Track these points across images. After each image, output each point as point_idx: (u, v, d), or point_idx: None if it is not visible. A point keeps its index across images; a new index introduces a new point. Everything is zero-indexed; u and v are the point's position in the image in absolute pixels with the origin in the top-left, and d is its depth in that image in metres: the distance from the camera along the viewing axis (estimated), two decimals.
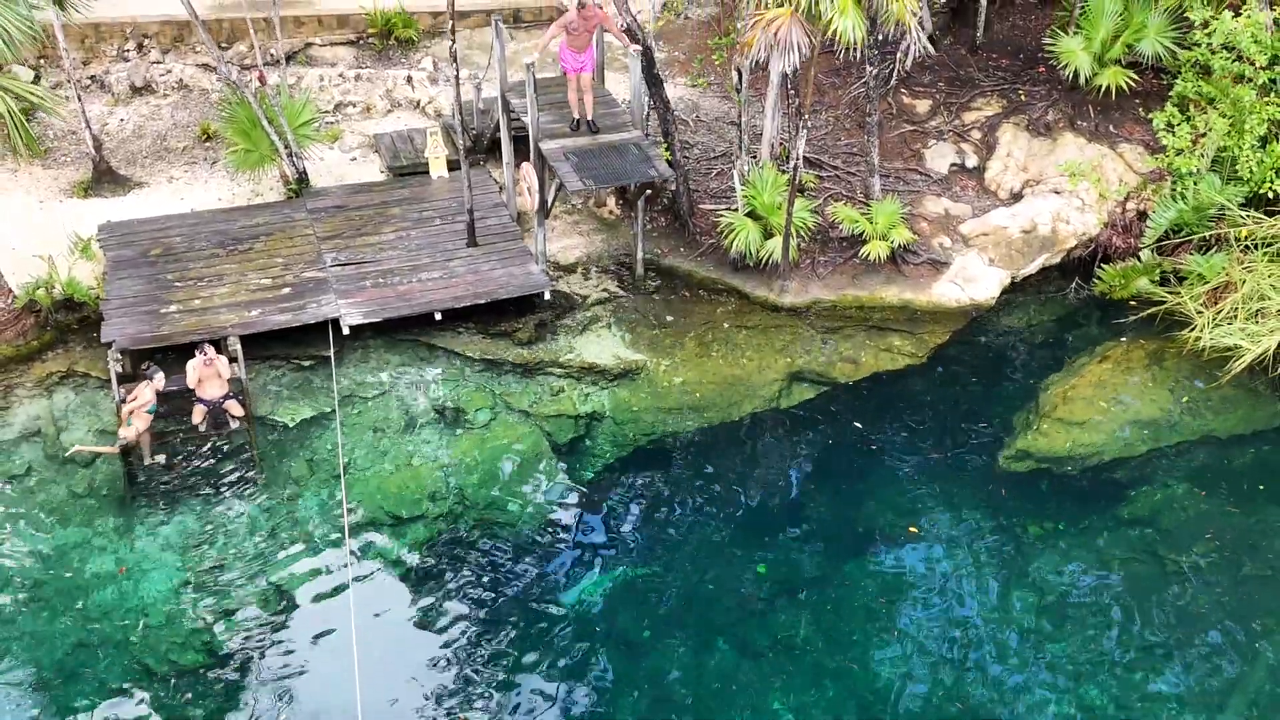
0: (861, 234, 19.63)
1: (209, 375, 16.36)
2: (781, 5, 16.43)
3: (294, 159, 20.24)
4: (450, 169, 20.97)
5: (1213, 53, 19.86)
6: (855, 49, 16.72)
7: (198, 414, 16.50)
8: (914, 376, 18.52)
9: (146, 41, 23.72)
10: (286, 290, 18.46)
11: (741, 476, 17.10)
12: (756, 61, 17.10)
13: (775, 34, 16.10)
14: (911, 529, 16.05)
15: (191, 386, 16.42)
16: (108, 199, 20.35)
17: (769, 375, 18.27)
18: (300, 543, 15.48)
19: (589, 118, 18.73)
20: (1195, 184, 19.68)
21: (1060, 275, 20.45)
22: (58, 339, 18.08)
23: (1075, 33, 21.78)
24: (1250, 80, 19.54)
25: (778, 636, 14.66)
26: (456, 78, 18.49)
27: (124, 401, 16.26)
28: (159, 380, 16.20)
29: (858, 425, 17.72)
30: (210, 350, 16.39)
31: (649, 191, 18.95)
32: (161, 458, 16.39)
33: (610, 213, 20.75)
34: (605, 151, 18.41)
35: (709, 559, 15.69)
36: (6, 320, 17.92)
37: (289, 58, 23.58)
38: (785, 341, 18.89)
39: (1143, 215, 20.31)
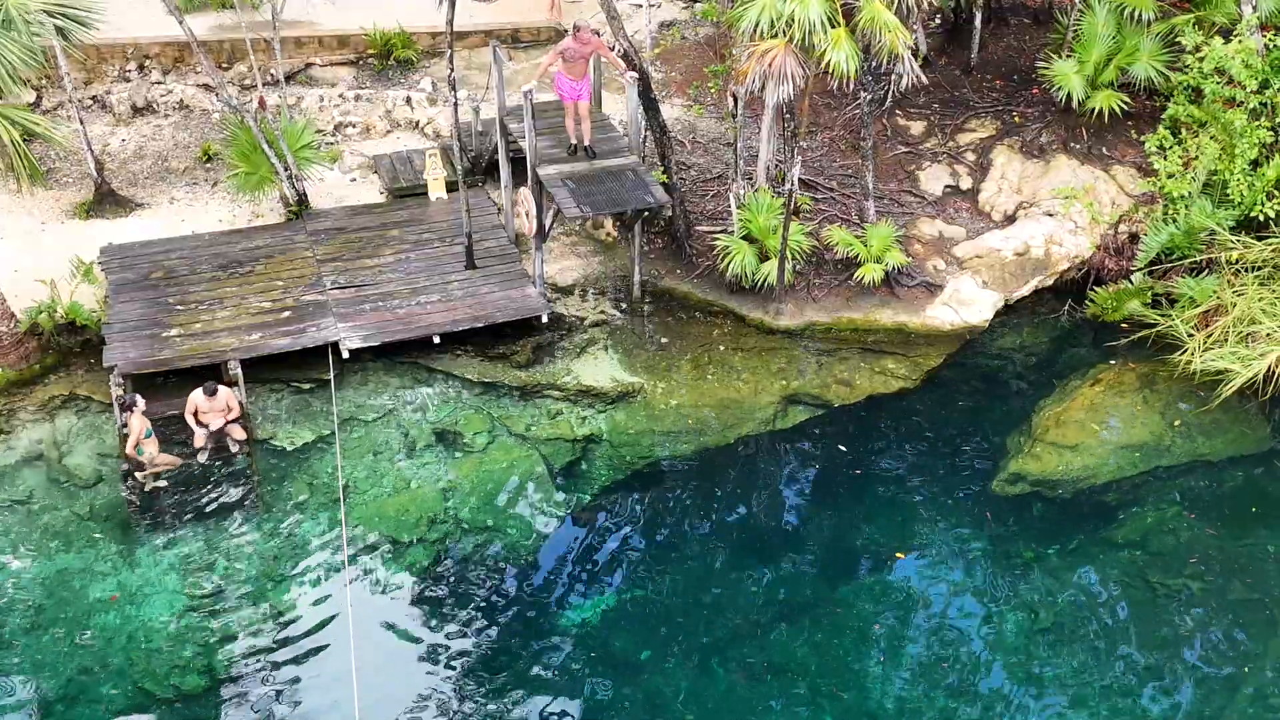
0: (856, 257, 19.82)
1: (216, 406, 16.57)
2: (776, 36, 16.61)
3: (294, 181, 20.42)
4: (449, 190, 21.14)
5: (1204, 77, 20.06)
6: (849, 80, 16.89)
7: (199, 438, 16.69)
8: (908, 399, 18.68)
9: (148, 62, 23.92)
10: (286, 314, 18.64)
11: (737, 499, 17.27)
12: (751, 91, 17.29)
13: (770, 65, 16.29)
14: (899, 554, 16.20)
15: (188, 419, 16.61)
16: (109, 220, 20.53)
17: (764, 398, 18.44)
18: (300, 566, 15.63)
19: (586, 143, 18.91)
20: (1186, 207, 19.85)
21: (1053, 297, 20.58)
22: (60, 362, 18.25)
23: (1068, 56, 21.97)
24: (1241, 104, 19.73)
25: (774, 658, 14.83)
26: (455, 104, 18.67)
27: (124, 426, 16.44)
28: (140, 404, 16.31)
29: (852, 448, 17.89)
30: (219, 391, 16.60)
31: (646, 214, 19.13)
32: (163, 482, 16.53)
33: (608, 235, 20.94)
34: (603, 178, 18.59)
35: (706, 581, 15.83)
36: (9, 344, 18.09)
37: (289, 78, 23.77)
38: (781, 364, 19.06)
39: (1134, 238, 20.44)
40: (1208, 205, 19.73)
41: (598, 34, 19.38)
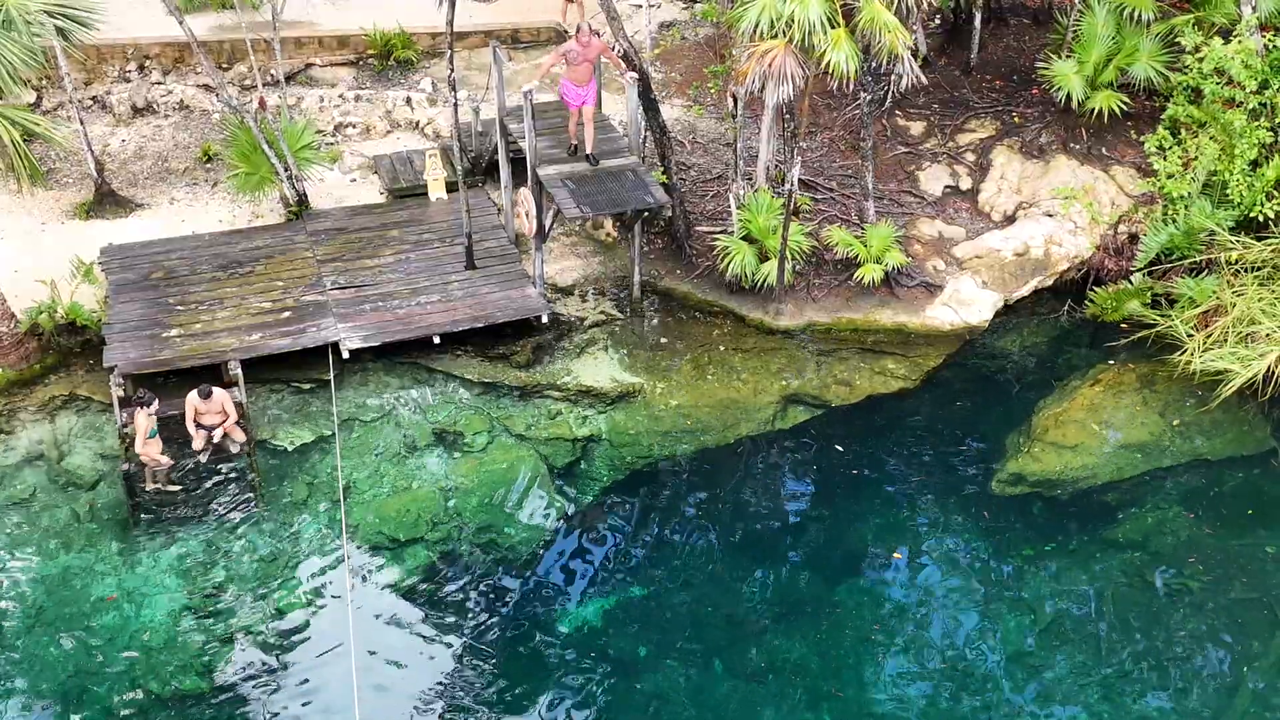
0: (856, 257, 19.83)
1: (212, 409, 16.56)
2: (776, 36, 16.62)
3: (294, 181, 20.43)
4: (449, 190, 21.15)
5: (1204, 77, 20.07)
6: (849, 80, 16.90)
7: (198, 439, 16.69)
8: (908, 399, 18.69)
9: (148, 63, 23.93)
10: (286, 314, 18.65)
11: (737, 499, 17.27)
12: (751, 91, 17.30)
13: (770, 65, 16.30)
14: (895, 554, 16.22)
15: (188, 423, 16.60)
16: (109, 221, 20.54)
17: (764, 398, 18.45)
18: (300, 566, 15.64)
19: (589, 150, 18.91)
20: (1186, 207, 19.86)
21: (1053, 298, 20.59)
22: (60, 362, 18.26)
23: (1068, 56, 21.98)
24: (1241, 104, 19.73)
25: (774, 659, 14.83)
26: (455, 105, 18.69)
27: (125, 426, 16.45)
28: (154, 406, 16.34)
29: (852, 448, 17.89)
30: (215, 392, 16.59)
31: (645, 215, 19.15)
32: (175, 486, 16.50)
33: (608, 235, 20.95)
34: (603, 178, 18.61)
35: (706, 581, 15.85)
36: (10, 344, 18.11)
37: (289, 78, 23.79)
38: (780, 364, 19.07)
39: (1134, 238, 20.45)
40: (1207, 205, 19.74)
41: (598, 35, 19.39)
